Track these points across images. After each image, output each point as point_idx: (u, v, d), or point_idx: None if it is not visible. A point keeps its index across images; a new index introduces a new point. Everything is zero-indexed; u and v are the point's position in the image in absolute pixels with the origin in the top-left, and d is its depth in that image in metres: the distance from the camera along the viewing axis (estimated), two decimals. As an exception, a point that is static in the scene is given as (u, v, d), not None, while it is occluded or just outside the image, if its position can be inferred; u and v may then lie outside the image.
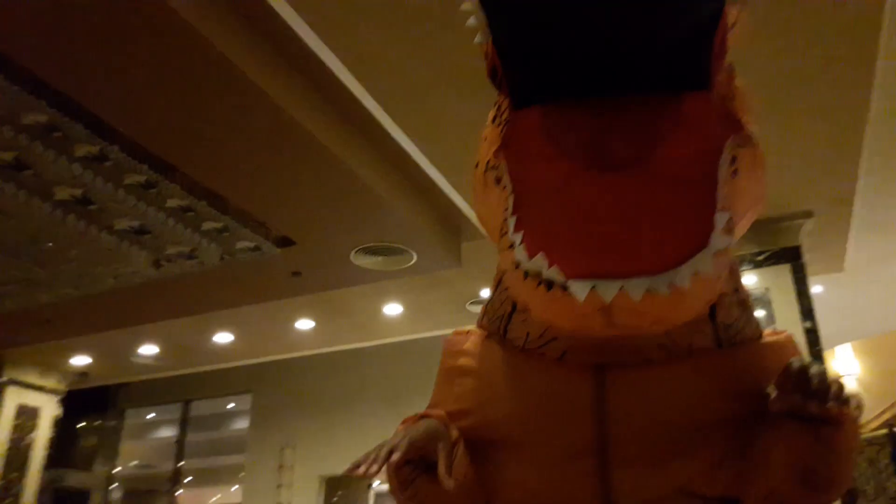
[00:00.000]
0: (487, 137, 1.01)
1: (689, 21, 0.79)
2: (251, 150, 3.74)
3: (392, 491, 1.14)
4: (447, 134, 4.16)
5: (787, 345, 1.08)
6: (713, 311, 1.02)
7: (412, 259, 5.17)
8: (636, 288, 0.73)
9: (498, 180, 0.90)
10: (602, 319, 0.76)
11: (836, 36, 3.41)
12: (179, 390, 9.94)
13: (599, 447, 1.00)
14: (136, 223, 4.29)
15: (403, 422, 1.18)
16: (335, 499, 9.12)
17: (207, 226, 4.45)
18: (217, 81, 3.15)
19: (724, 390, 1.01)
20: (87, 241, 4.28)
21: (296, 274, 5.36)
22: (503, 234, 0.85)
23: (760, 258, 5.31)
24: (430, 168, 4.48)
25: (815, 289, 5.38)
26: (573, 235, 0.79)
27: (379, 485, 13.80)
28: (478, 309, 5.41)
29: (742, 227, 0.94)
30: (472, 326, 1.26)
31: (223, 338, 7.52)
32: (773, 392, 0.95)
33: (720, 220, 0.77)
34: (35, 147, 3.53)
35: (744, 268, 5.33)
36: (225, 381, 9.40)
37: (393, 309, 6.91)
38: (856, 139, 4.26)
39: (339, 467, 8.89)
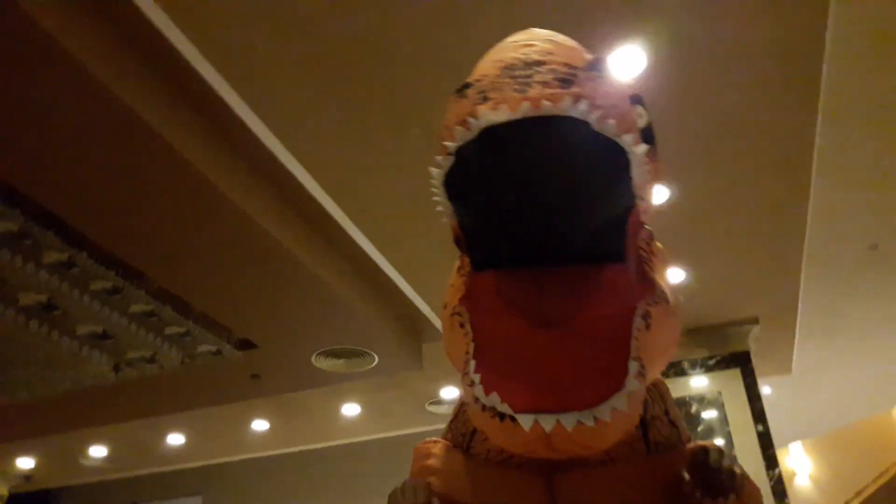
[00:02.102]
0: (454, 284, 1.22)
1: (608, 215, 1.04)
2: (216, 255, 3.80)
3: None
4: (409, 240, 4.31)
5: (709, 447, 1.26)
6: (645, 431, 1.24)
7: (373, 361, 5.21)
8: (569, 420, 0.92)
9: (461, 325, 1.10)
10: (544, 445, 0.95)
11: (771, 169, 3.73)
12: (126, 492, 9.51)
13: None
14: (98, 328, 4.27)
15: (417, 450, 1.37)
16: None
17: (170, 330, 4.46)
18: (183, 188, 3.21)
19: (653, 488, 1.20)
20: (47, 345, 4.24)
21: (255, 377, 5.33)
22: (465, 372, 1.03)
23: (712, 362, 5.50)
24: (392, 272, 4.61)
25: (765, 390, 5.58)
26: (519, 378, 0.99)
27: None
28: (436, 409, 5.44)
29: (658, 367, 1.12)
30: (438, 438, 1.43)
31: (175, 439, 7.33)
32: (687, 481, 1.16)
33: (632, 367, 0.96)
34: (3, 254, 3.56)
35: (696, 371, 5.51)
36: (174, 482, 9.06)
37: (351, 409, 6.86)
38: (796, 252, 4.56)
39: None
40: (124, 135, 2.89)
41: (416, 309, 5.02)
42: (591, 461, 1.22)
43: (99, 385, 4.98)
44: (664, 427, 1.27)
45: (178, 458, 7.95)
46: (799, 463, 10.67)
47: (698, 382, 5.47)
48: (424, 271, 4.64)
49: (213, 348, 4.74)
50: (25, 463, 7.52)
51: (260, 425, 7.10)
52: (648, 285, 1.07)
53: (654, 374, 1.14)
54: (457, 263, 1.26)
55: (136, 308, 4.20)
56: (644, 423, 1.24)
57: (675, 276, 4.65)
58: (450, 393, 6.49)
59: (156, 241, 3.64)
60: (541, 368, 1.00)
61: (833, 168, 4.00)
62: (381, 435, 7.64)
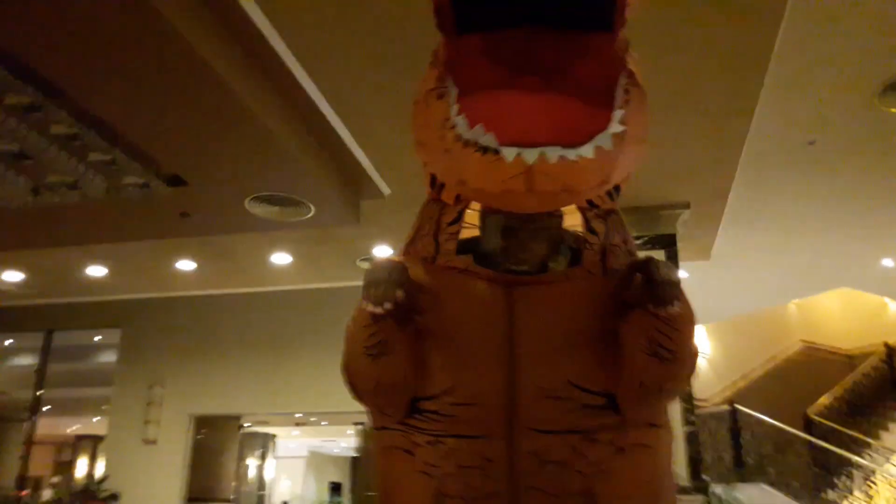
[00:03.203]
0: (426, 77, 1.18)
1: None
2: (148, 79, 3.51)
3: (360, 330, 1.32)
4: (360, 93, 4.13)
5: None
6: (604, 257, 1.33)
7: (309, 212, 5.13)
8: (552, 153, 0.94)
9: (440, 95, 1.07)
10: (524, 183, 0.96)
11: (732, 44, 3.67)
12: (42, 319, 9.40)
13: (508, 345, 1.28)
14: (15, 147, 3.98)
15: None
16: (199, 436, 9.05)
17: (94, 157, 4.21)
18: (115, 2, 2.93)
19: (603, 305, 1.30)
20: (-43, 160, 3.95)
21: (184, 215, 5.18)
22: (444, 124, 1.03)
23: (639, 241, 5.66)
24: (338, 123, 4.44)
25: (681, 273, 5.82)
26: (506, 115, 1.01)
27: (249, 426, 13.76)
28: (367, 266, 5.47)
29: (630, 154, 1.11)
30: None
31: (96, 271, 7.17)
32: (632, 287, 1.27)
33: (616, 115, 1.00)
34: None
35: (623, 250, 5.67)
36: (93, 313, 8.99)
37: (281, 258, 6.83)
38: (738, 139, 4.63)
39: (210, 407, 8.80)
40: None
41: (359, 164, 4.89)
42: (550, 279, 1.32)
43: (16, 208, 4.72)
44: (622, 255, 1.36)
45: (99, 289, 7.84)
46: (700, 343, 11.48)
47: (623, 260, 5.66)
48: (371, 125, 4.49)
49: (140, 181, 4.53)
50: (-65, 282, 7.27)
51: (186, 265, 7.01)
52: (628, 69, 1.08)
53: (629, 158, 1.13)
54: (429, 62, 1.20)
55: (57, 129, 3.91)
56: (603, 250, 1.32)
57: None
58: (383, 251, 6.52)
59: (79, 56, 3.32)
60: (528, 107, 1.02)
61: (783, 69, 3.99)
62: (309, 286, 7.69)
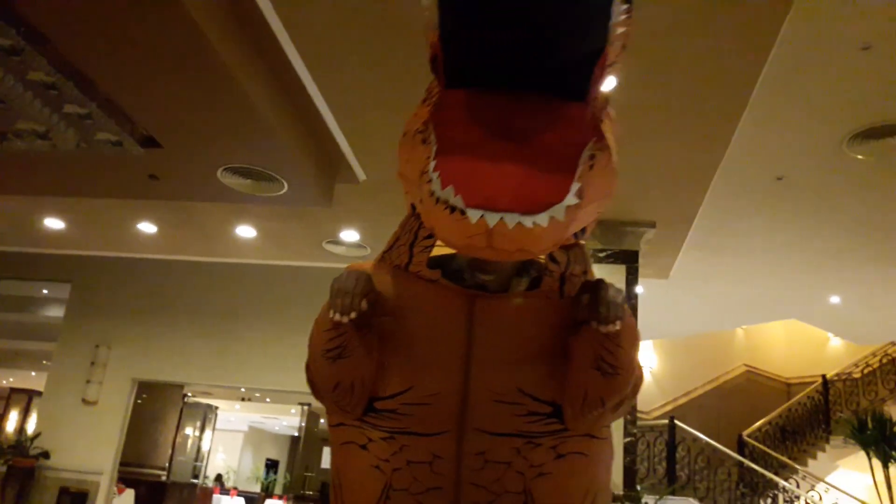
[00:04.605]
0: (417, 113, 1.29)
1: (577, 53, 1.13)
2: (135, 40, 3.47)
3: (322, 334, 1.40)
4: (347, 76, 4.11)
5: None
6: (562, 285, 1.43)
7: (282, 188, 5.09)
8: (510, 219, 1.05)
9: (424, 140, 1.18)
10: (485, 240, 1.07)
11: (718, 72, 3.77)
12: (-11, 266, 9.12)
13: (465, 352, 1.38)
14: (-12, 89, 3.88)
15: (349, 267, 1.45)
16: (139, 401, 8.93)
17: (69, 109, 4.11)
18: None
19: (557, 324, 1.41)
20: (-75, 94, 3.81)
21: (153, 177, 5.09)
22: (423, 172, 1.14)
23: (602, 255, 5.79)
24: (323, 105, 4.42)
25: (638, 289, 5.95)
26: (475, 179, 1.10)
27: (192, 396, 13.57)
28: (333, 248, 5.51)
29: (590, 211, 1.24)
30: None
31: (53, 223, 7.00)
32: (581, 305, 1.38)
33: (574, 188, 1.10)
34: None
35: (586, 261, 5.78)
36: (43, 265, 8.75)
37: (246, 231, 6.76)
38: (711, 166, 4.75)
39: (154, 373, 8.65)
40: None
41: (338, 147, 4.88)
42: (510, 296, 1.44)
43: (-21, 151, 4.59)
44: (580, 284, 1.47)
45: (52, 242, 7.65)
46: (647, 358, 11.78)
47: (585, 271, 5.76)
48: (355, 110, 4.47)
49: (114, 138, 4.44)
50: None
51: (147, 227, 6.88)
52: (598, 133, 1.19)
53: (588, 215, 1.26)
54: (422, 97, 1.32)
55: (34, 76, 3.82)
56: (563, 278, 1.43)
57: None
58: (350, 236, 6.51)
59: (67, 6, 3.25)
60: (496, 174, 1.10)
61: (760, 105, 4.11)
62: (272, 262, 7.63)
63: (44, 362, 9.79)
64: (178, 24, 3.31)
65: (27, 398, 14.15)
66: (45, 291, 10.66)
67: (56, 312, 10.05)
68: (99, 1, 3.19)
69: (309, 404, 14.22)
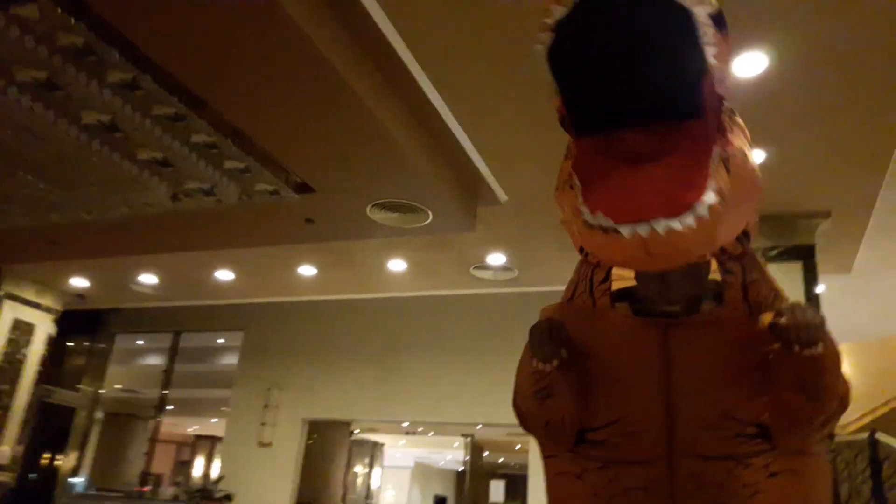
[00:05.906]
0: (563, 168, 1.40)
1: (679, 81, 1.21)
2: (283, 93, 3.67)
3: (527, 377, 1.54)
4: (481, 101, 4.12)
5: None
6: (746, 294, 1.50)
7: (427, 218, 5.15)
8: (660, 225, 1.11)
9: (572, 187, 1.29)
10: (644, 252, 1.13)
11: (884, 54, 3.38)
12: (171, 321, 9.98)
13: (666, 381, 1.47)
14: (159, 155, 4.22)
15: (543, 313, 1.63)
16: (310, 441, 9.29)
17: (230, 164, 4.40)
18: (258, 19, 3.07)
19: (753, 343, 1.46)
20: (108, 167, 4.21)
21: (309, 221, 5.33)
22: (576, 210, 1.23)
23: (773, 252, 5.33)
24: (458, 130, 4.44)
25: (819, 288, 5.42)
26: (618, 200, 1.18)
27: (358, 433, 14.02)
28: (481, 273, 5.50)
29: (741, 212, 1.31)
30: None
31: (224, 275, 7.52)
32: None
33: (711, 185, 1.15)
34: (68, 69, 3.44)
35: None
36: (218, 316, 9.44)
37: (397, 265, 6.92)
38: (890, 140, 4.26)
39: (323, 412, 9.00)
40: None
41: (477, 171, 4.87)
42: (702, 321, 1.52)
43: (155, 213, 5.02)
44: (763, 287, 1.53)
45: (224, 293, 8.21)
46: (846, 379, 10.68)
47: (755, 272, 5.33)
48: (490, 132, 4.46)
49: (271, 188, 4.69)
50: (79, 282, 7.84)
51: (307, 270, 7.23)
52: (724, 140, 1.24)
53: (740, 215, 1.31)
54: (564, 154, 1.43)
55: (197, 138, 4.12)
56: (744, 287, 1.50)
57: (755, 156, 4.40)
58: (496, 259, 6.47)
59: (222, 70, 3.50)
60: (635, 191, 1.18)
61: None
62: (423, 293, 7.74)
63: (222, 408, 10.48)
64: (320, 75, 3.46)
65: (210, 444, 15.23)
66: (220, 340, 11.47)
67: (230, 360, 10.77)
68: (247, 63, 3.41)
69: (472, 435, 14.23)
